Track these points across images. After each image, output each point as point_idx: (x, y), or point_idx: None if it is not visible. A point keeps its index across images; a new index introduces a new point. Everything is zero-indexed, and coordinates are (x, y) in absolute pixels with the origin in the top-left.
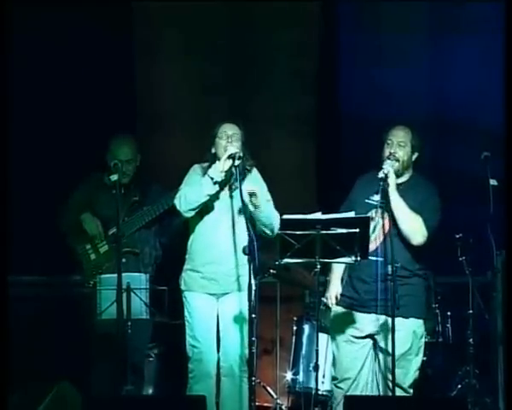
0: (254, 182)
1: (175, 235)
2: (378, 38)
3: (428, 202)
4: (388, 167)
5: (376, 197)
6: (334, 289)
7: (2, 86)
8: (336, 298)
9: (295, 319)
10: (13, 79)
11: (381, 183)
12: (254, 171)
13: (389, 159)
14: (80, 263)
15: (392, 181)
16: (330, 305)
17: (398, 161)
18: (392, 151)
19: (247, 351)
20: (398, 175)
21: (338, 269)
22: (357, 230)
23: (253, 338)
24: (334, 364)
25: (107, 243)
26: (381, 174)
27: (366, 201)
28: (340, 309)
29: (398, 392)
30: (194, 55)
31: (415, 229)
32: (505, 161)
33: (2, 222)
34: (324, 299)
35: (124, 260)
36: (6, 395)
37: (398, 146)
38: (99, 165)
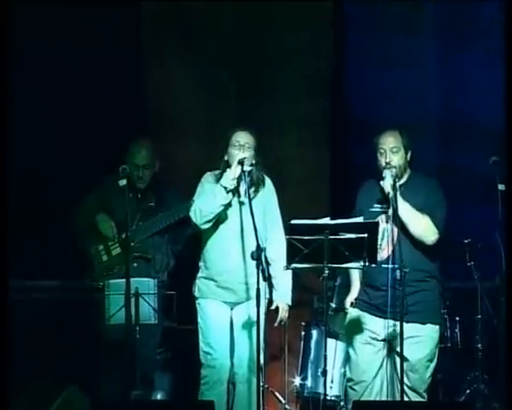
0: (267, 198)
1: (187, 243)
2: (388, 41)
3: (431, 198)
4: (390, 179)
5: (378, 206)
6: (351, 295)
7: (9, 88)
8: (352, 303)
9: (303, 324)
10: (20, 81)
11: (386, 193)
12: (268, 183)
13: (386, 168)
14: (91, 264)
15: (396, 190)
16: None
17: (394, 168)
18: (387, 160)
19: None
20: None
21: (355, 274)
22: (366, 235)
23: (262, 344)
24: (349, 365)
25: (120, 245)
26: (387, 189)
27: (370, 210)
28: (356, 312)
29: (414, 396)
30: (204, 57)
31: (425, 229)
32: (506, 163)
33: (3, 224)
34: (333, 304)
35: (135, 264)
36: (8, 398)
37: (392, 153)
38: (110, 168)
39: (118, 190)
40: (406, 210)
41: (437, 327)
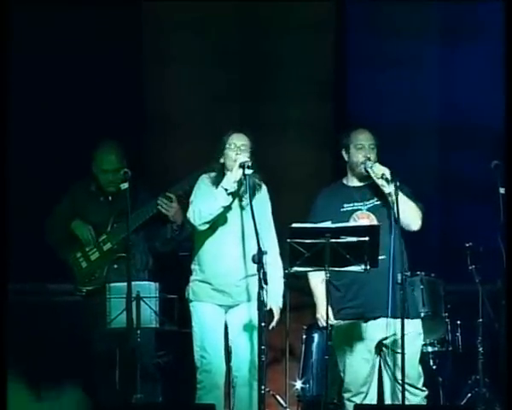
0: (262, 204)
1: (164, 242)
2: (390, 42)
3: (404, 191)
4: (378, 166)
5: (350, 204)
6: (324, 308)
7: (9, 90)
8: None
9: (305, 327)
10: (19, 82)
11: (380, 175)
12: (263, 189)
13: (364, 164)
14: (72, 272)
15: (389, 174)
16: (324, 324)
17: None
18: (368, 156)
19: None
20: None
21: (320, 290)
22: (367, 238)
23: (263, 347)
24: (345, 378)
25: (98, 250)
26: (379, 172)
27: (341, 210)
28: (342, 324)
29: (414, 391)
30: (205, 60)
31: (415, 213)
32: (506, 166)
33: (2, 229)
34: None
35: (115, 266)
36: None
37: (370, 149)
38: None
39: (89, 194)
40: (400, 195)
41: (420, 320)
